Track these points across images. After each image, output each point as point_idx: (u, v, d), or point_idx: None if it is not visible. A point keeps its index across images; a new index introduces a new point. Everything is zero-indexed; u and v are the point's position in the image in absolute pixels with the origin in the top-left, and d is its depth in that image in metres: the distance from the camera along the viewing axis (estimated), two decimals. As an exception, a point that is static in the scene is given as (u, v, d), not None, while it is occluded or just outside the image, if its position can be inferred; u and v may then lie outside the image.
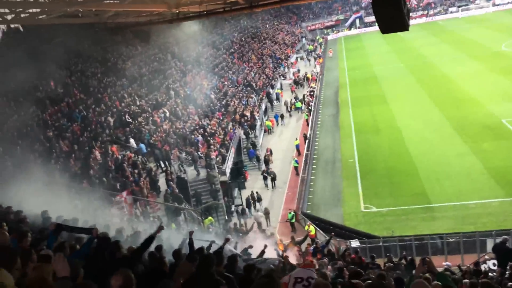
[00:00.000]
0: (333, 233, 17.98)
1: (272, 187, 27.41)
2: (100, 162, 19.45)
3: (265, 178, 27.54)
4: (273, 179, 27.39)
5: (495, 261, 12.26)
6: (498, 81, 37.40)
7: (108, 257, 5.70)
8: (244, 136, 32.24)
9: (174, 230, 15.37)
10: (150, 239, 6.22)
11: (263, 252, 12.22)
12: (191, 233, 8.80)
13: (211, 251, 8.35)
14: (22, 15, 13.38)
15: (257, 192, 25.32)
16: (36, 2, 10.62)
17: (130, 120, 24.92)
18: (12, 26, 27.46)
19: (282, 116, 39.80)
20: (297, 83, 50.24)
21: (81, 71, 27.98)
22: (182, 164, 23.87)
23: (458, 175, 23.56)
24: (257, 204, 24.96)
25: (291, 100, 43.29)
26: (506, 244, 12.56)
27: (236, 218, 23.38)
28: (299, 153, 31.30)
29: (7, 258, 3.57)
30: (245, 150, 31.56)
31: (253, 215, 23.92)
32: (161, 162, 23.32)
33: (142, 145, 23.09)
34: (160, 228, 6.94)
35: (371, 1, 8.41)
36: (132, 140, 23.28)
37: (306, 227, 21.33)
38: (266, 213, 23.59)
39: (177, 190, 20.59)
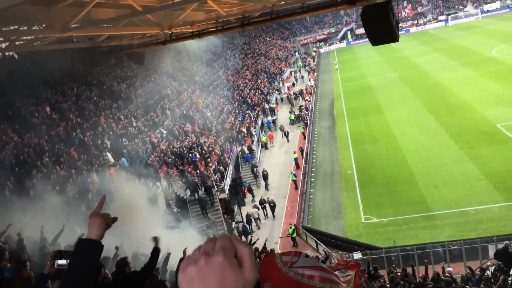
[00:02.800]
0: (329, 248, 18.04)
1: (273, 217, 25.80)
2: (98, 185, 19.41)
3: (263, 208, 25.92)
4: (273, 208, 25.77)
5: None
6: (491, 86, 37.73)
7: (118, 273, 5.64)
8: (241, 153, 32.39)
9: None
10: (156, 251, 6.13)
11: None
12: (184, 250, 8.81)
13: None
14: (17, 43, 13.55)
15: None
16: (30, 30, 10.75)
17: (127, 142, 24.96)
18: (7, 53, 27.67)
19: (286, 133, 39.09)
20: (290, 100, 50.36)
21: (76, 95, 28.10)
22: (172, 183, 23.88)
23: (457, 182, 23.61)
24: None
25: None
26: (509, 249, 12.56)
27: (237, 236, 23.30)
28: (297, 166, 31.36)
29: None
30: (241, 154, 31.77)
31: (250, 211, 24.67)
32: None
33: (124, 159, 22.89)
34: (157, 239, 6.68)
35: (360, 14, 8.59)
36: (109, 154, 22.80)
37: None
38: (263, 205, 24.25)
39: (175, 210, 20.55)
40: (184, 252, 8.94)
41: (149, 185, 22.08)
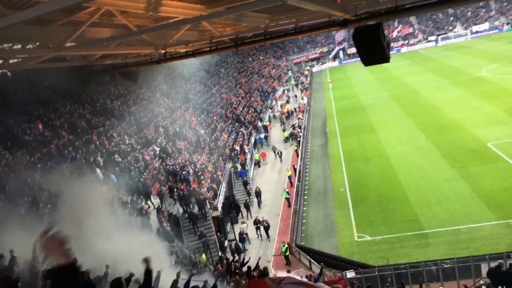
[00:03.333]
0: (322, 264, 17.93)
1: (267, 237, 25.25)
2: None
3: (257, 229, 25.45)
4: (266, 228, 25.29)
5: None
6: (481, 105, 38.25)
7: None
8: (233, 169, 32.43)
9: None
10: (149, 272, 6.04)
11: None
12: (178, 274, 8.80)
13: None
14: (10, 61, 13.57)
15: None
16: (24, 49, 10.79)
17: (120, 159, 24.88)
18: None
19: (279, 153, 38.72)
20: (281, 119, 50.26)
21: (69, 113, 28.07)
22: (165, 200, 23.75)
23: (449, 200, 23.71)
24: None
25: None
26: (502, 268, 12.57)
27: (230, 254, 23.10)
28: (291, 184, 31.37)
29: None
30: (233, 169, 31.76)
31: (240, 227, 24.52)
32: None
33: (113, 176, 22.74)
34: (148, 260, 6.57)
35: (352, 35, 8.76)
36: (98, 170, 22.65)
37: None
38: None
39: (168, 228, 20.40)
40: (178, 275, 8.92)
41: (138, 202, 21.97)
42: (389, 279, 17.93)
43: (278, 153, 38.42)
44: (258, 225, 25.32)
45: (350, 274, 18.70)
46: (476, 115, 35.89)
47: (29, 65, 12.90)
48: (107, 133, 27.52)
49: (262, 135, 43.60)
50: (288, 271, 18.36)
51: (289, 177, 31.99)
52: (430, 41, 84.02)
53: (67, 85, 30.76)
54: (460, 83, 48.18)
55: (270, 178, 34.65)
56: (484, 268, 15.79)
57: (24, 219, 13.62)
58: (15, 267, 9.06)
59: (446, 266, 17.78)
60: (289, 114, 50.82)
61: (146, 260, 6.08)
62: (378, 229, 22.94)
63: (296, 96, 61.48)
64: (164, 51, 12.42)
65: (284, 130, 44.59)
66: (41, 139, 23.53)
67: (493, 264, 13.36)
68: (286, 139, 42.91)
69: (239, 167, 32.72)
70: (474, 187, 24.26)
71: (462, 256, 18.28)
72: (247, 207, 28.56)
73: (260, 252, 23.44)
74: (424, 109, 41.79)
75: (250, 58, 74.35)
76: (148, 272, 5.89)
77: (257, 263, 18.69)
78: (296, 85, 69.87)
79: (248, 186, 30.71)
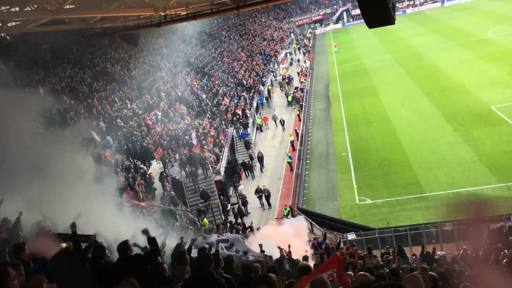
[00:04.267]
0: (325, 229, 18.28)
1: (269, 206, 24.97)
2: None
3: (259, 197, 25.07)
4: (267, 197, 24.96)
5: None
6: (486, 68, 37.74)
7: (120, 256, 5.66)
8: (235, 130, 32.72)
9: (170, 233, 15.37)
10: (152, 240, 6.08)
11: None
12: (181, 239, 8.98)
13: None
14: (9, 24, 13.36)
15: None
16: (22, 11, 10.59)
17: (122, 124, 24.87)
18: (-2, 34, 27.26)
19: (282, 121, 36.95)
20: (282, 85, 48.39)
21: (70, 77, 27.83)
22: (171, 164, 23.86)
23: (450, 164, 23.80)
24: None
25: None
26: (503, 230, 12.73)
27: (233, 217, 23.46)
28: (293, 148, 31.42)
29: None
30: (235, 131, 32.40)
31: (238, 189, 25.29)
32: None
33: (109, 138, 22.60)
34: (146, 231, 6.71)
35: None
36: (93, 133, 22.34)
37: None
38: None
39: (173, 192, 20.63)
40: (182, 239, 9.10)
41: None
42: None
43: (280, 121, 36.83)
44: (260, 194, 25.04)
45: (351, 236, 19.06)
46: (480, 78, 35.49)
47: (27, 28, 12.71)
48: (108, 97, 27.36)
49: (262, 93, 43.51)
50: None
51: (291, 142, 31.99)
52: (436, 1, 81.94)
53: (67, 49, 30.37)
54: (465, 45, 47.38)
55: (272, 142, 34.69)
56: (484, 231, 15.99)
57: (29, 181, 13.70)
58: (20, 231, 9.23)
59: (445, 228, 18.06)
60: (290, 80, 49.42)
61: (145, 231, 6.08)
62: (379, 192, 23.19)
63: (298, 60, 60.03)
64: (165, 14, 12.18)
65: (286, 95, 44.10)
66: (42, 103, 23.39)
67: (496, 227, 13.51)
68: (290, 103, 42.56)
69: (242, 129, 32.83)
70: (476, 150, 24.30)
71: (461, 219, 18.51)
72: (250, 168, 28.91)
73: (262, 222, 23.45)
74: (427, 72, 41.31)
75: (251, 20, 72.87)
76: (152, 240, 5.90)
77: (251, 224, 19.39)
78: (299, 48, 68.61)
79: (250, 150, 30.83)
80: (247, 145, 31.12)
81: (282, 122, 36.71)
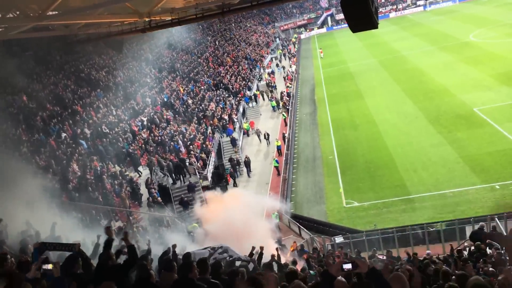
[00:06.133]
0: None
1: (248, 175, 28.81)
2: (79, 175, 19.19)
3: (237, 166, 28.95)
4: (247, 164, 29.02)
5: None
6: (468, 71, 38.41)
7: (101, 266, 5.65)
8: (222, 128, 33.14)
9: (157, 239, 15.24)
10: (130, 248, 6.05)
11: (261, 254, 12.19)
12: (173, 246, 8.95)
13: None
14: (-10, 31, 13.17)
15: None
16: (5, 18, 10.46)
17: (107, 130, 24.65)
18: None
19: (266, 135, 34.64)
20: (266, 93, 47.99)
21: (54, 84, 27.51)
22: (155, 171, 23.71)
23: (435, 165, 24.11)
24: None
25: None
26: (484, 229, 12.93)
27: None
28: (279, 153, 31.42)
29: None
30: (222, 129, 32.84)
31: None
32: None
33: (82, 142, 22.31)
34: (126, 234, 6.51)
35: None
36: (64, 135, 22.08)
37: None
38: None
39: (159, 198, 20.47)
40: (174, 246, 9.05)
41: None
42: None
43: (264, 135, 34.39)
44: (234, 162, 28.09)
45: (339, 239, 19.12)
46: (463, 81, 36.09)
47: (10, 35, 12.54)
48: (93, 104, 27.11)
49: (249, 94, 43.78)
50: (279, 238, 18.65)
51: (278, 147, 31.79)
52: (418, 6, 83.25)
53: (50, 56, 30.05)
54: (447, 49, 48.17)
55: (259, 147, 34.65)
56: (469, 231, 16.24)
57: (12, 191, 13.49)
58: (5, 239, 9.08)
59: (431, 229, 18.26)
60: (273, 88, 48.68)
61: (125, 237, 6.03)
62: (366, 195, 23.35)
63: (283, 67, 59.36)
64: (149, 19, 12.15)
65: (270, 100, 44.14)
66: (25, 111, 23.10)
67: (477, 227, 13.72)
68: (274, 108, 42.63)
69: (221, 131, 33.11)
70: (460, 152, 24.67)
71: (447, 219, 18.77)
72: (238, 164, 29.57)
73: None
74: (411, 75, 41.87)
75: (236, 26, 73.01)
76: (131, 248, 5.86)
77: None
78: (284, 54, 68.63)
79: (236, 148, 31.25)
80: (233, 142, 31.25)
81: (267, 136, 34.31)
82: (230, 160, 29.14)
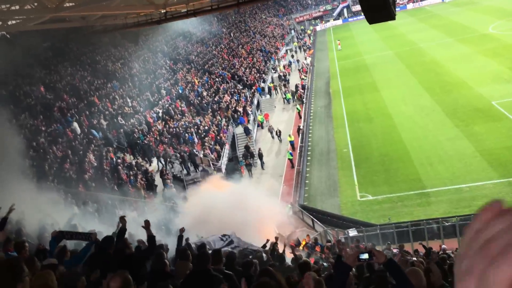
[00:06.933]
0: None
1: (262, 168, 28.49)
2: (95, 165, 19.46)
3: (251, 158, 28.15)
4: (260, 156, 28.57)
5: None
6: (487, 63, 37.65)
7: (117, 254, 5.71)
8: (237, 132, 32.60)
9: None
10: (151, 238, 6.16)
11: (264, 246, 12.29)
12: (181, 230, 8.90)
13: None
14: (9, 22, 13.37)
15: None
16: (22, 10, 10.60)
17: (123, 121, 24.90)
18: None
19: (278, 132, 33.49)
20: (279, 86, 46.60)
21: (70, 75, 27.85)
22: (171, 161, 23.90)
23: (451, 159, 23.78)
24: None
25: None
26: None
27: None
28: (293, 148, 31.04)
29: (16, 269, 3.59)
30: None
31: None
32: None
33: (94, 131, 22.62)
34: (148, 223, 6.54)
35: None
36: (75, 124, 22.40)
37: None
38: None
39: (174, 189, 20.68)
40: (182, 230, 9.07)
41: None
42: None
43: (276, 132, 33.39)
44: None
45: (352, 232, 19.07)
46: (481, 73, 35.39)
47: (28, 26, 12.71)
48: (109, 95, 27.39)
49: (262, 85, 43.82)
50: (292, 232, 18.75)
51: (291, 142, 31.00)
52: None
53: (67, 47, 30.40)
54: (466, 41, 47.23)
55: (272, 144, 34.43)
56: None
57: (31, 181, 13.77)
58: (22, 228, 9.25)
59: (447, 224, 18.07)
60: (286, 82, 47.32)
61: (146, 225, 6.15)
62: (380, 188, 23.19)
63: (298, 60, 58.50)
64: (165, 11, 12.17)
65: (285, 92, 43.85)
66: (43, 101, 23.46)
67: None
68: (288, 101, 42.27)
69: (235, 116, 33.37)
70: (477, 146, 24.27)
71: (463, 214, 18.54)
72: (251, 155, 29.14)
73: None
74: (428, 68, 41.20)
75: (252, 17, 72.70)
76: (151, 238, 5.97)
77: None
78: (299, 47, 67.92)
79: (249, 136, 31.34)
80: (247, 131, 31.31)
81: (278, 133, 33.27)
82: (246, 147, 29.05)
